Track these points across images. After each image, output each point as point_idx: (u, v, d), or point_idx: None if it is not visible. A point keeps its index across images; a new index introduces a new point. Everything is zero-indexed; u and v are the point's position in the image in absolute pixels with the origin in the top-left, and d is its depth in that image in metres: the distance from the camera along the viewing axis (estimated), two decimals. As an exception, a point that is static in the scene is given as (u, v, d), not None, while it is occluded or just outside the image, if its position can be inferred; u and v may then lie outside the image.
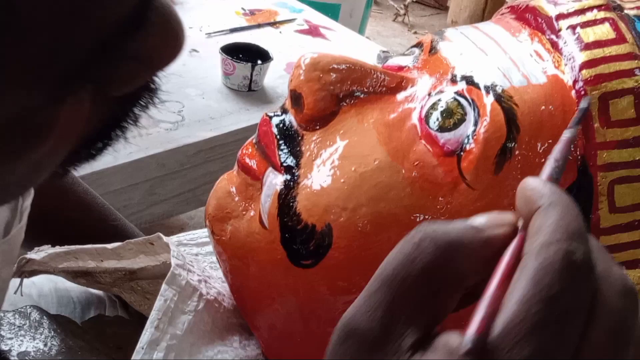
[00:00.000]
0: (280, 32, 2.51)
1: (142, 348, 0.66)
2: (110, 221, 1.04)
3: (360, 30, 3.55)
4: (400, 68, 0.73)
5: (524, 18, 0.72)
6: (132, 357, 0.66)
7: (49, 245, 0.85)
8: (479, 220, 0.45)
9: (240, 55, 2.10)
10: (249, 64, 2.06)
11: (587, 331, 0.41)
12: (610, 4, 0.69)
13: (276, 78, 2.17)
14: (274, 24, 2.55)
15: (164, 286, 0.69)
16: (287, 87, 0.71)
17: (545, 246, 0.42)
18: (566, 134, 0.54)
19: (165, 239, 0.75)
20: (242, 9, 2.61)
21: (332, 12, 3.17)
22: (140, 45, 0.39)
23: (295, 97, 0.69)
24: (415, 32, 5.53)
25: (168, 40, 0.41)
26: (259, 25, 2.51)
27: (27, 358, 0.82)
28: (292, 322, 0.69)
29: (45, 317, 0.86)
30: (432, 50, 0.72)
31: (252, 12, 2.60)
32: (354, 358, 0.42)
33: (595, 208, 0.64)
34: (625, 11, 0.69)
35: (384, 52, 2.41)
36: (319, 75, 0.68)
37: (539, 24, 0.70)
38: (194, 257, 0.80)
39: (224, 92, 2.09)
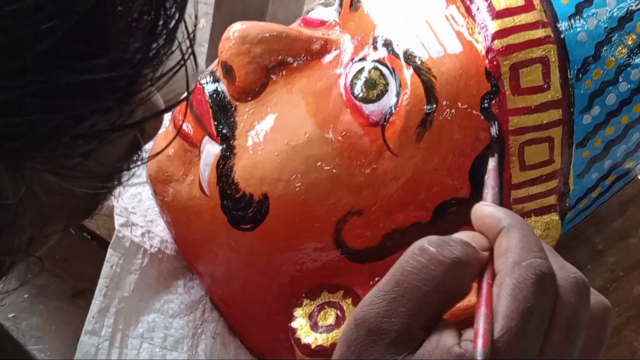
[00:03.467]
0: None
1: (93, 317, 0.71)
2: None
3: None
4: (323, 23, 0.76)
5: None
6: (84, 327, 0.71)
7: None
8: (473, 240, 0.54)
9: None
10: None
11: (549, 329, 0.51)
12: None
13: None
14: None
15: (109, 251, 0.74)
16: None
17: (517, 265, 0.51)
18: (492, 163, 0.61)
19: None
20: None
21: None
22: None
23: (227, 69, 0.72)
24: None
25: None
26: None
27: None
28: (233, 273, 0.76)
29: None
30: (352, 6, 0.75)
31: None
32: (372, 351, 0.51)
33: (507, 167, 0.70)
34: None
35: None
36: (248, 48, 0.71)
37: None
38: (137, 197, 0.84)
39: None
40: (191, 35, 0.43)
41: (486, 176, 0.62)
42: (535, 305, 0.50)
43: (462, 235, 0.54)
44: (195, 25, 0.44)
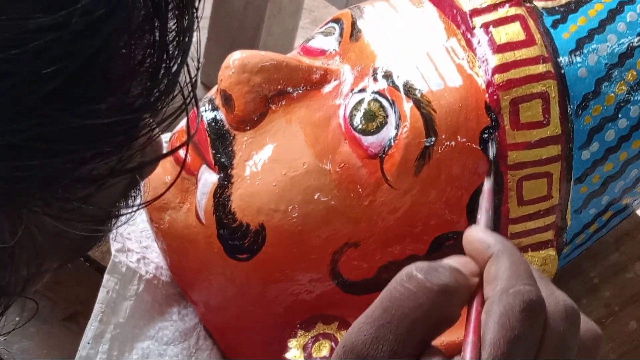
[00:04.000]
0: None
1: (88, 343, 0.71)
2: None
3: None
4: (323, 52, 0.76)
5: (439, 4, 0.75)
6: (79, 353, 0.71)
7: None
8: (462, 265, 0.53)
9: None
10: None
11: (537, 356, 0.50)
12: None
13: None
14: None
15: (106, 276, 0.74)
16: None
17: (505, 292, 0.50)
18: (487, 185, 0.61)
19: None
20: None
21: None
22: None
23: (226, 98, 0.72)
24: None
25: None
26: None
27: None
28: (227, 301, 0.75)
29: None
30: (353, 36, 0.75)
31: None
32: None
33: (505, 201, 0.70)
34: (534, 2, 0.73)
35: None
36: (248, 77, 0.71)
37: (454, 15, 0.73)
38: (131, 223, 0.84)
39: None
40: (193, 80, 0.42)
41: (481, 197, 0.62)
42: (522, 333, 0.49)
43: (452, 261, 0.53)
44: (198, 69, 0.44)
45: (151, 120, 0.41)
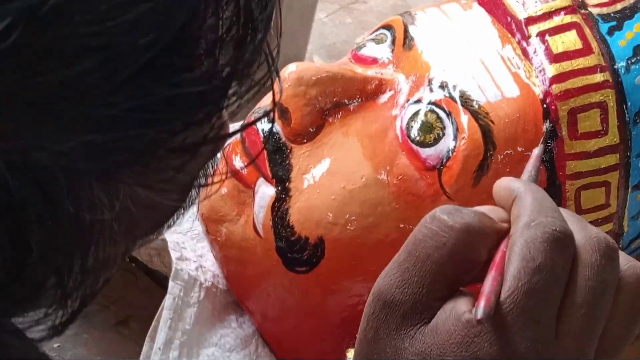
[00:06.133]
0: None
1: (159, 349, 0.72)
2: None
3: None
4: (375, 60, 0.76)
5: (492, 10, 0.75)
6: (152, 357, 0.72)
7: None
8: (490, 211, 0.53)
9: None
10: None
11: (568, 289, 0.49)
12: (575, 5, 0.72)
13: None
14: None
15: (170, 283, 0.74)
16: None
17: (527, 225, 0.49)
18: (536, 151, 0.60)
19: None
20: None
21: None
22: None
23: (282, 111, 0.72)
24: None
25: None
26: None
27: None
28: (285, 312, 0.76)
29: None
30: (406, 44, 0.75)
31: None
32: (388, 324, 0.50)
33: None
34: (589, 9, 0.73)
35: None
36: (304, 90, 0.71)
37: (508, 23, 0.73)
38: (184, 236, 0.85)
39: None
40: (274, 51, 0.43)
41: (527, 162, 0.61)
42: (545, 264, 0.48)
43: (479, 207, 0.53)
44: (280, 36, 0.44)
45: (239, 88, 0.42)
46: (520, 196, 0.52)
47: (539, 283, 0.48)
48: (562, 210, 0.52)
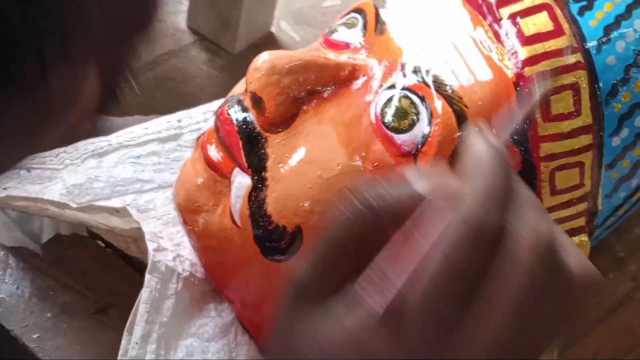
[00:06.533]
0: None
1: (137, 343, 0.72)
2: None
3: None
4: (347, 45, 0.76)
5: None
6: (129, 354, 0.72)
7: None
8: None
9: None
10: None
11: (488, 286, 0.47)
12: None
13: None
14: None
15: (147, 276, 0.74)
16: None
17: (451, 214, 0.47)
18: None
19: (134, 214, 0.79)
20: None
21: None
22: None
23: (256, 100, 0.71)
24: None
25: None
26: None
27: (3, 304, 0.87)
28: (264, 300, 0.76)
29: (10, 256, 0.90)
30: (378, 29, 0.75)
31: None
32: (300, 311, 0.51)
33: (539, 192, 0.71)
34: None
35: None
36: (277, 79, 0.71)
37: (479, 5, 0.73)
38: (159, 220, 0.85)
39: None
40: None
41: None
42: (456, 258, 0.46)
43: None
44: None
45: None
46: (471, 176, 0.50)
47: (447, 278, 0.46)
48: (527, 196, 0.51)
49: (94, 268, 0.94)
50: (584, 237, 0.74)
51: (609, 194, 0.75)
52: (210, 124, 0.76)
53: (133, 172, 0.97)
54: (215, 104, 1.09)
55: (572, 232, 0.74)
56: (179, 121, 1.05)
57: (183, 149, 1.04)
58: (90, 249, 0.94)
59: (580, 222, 0.74)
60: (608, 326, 0.88)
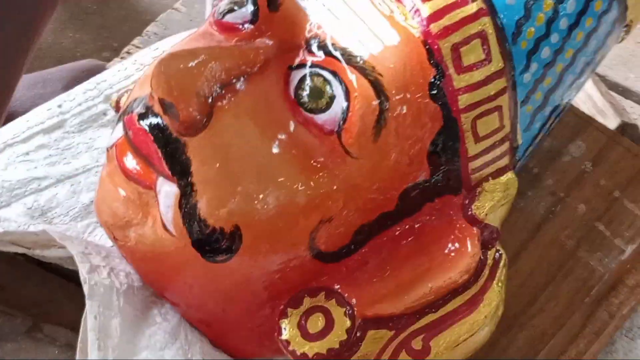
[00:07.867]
0: None
1: None
2: None
3: None
4: (242, 26, 0.73)
5: None
6: None
7: None
8: None
9: None
10: None
11: None
12: None
13: None
14: None
15: (88, 302, 0.71)
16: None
17: None
18: None
19: (56, 237, 0.76)
20: None
21: None
22: None
23: (167, 106, 0.68)
24: None
25: None
26: None
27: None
28: (210, 299, 0.75)
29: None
30: (272, 5, 0.72)
31: None
32: None
33: (463, 142, 0.71)
34: None
35: None
36: (186, 82, 0.67)
37: None
38: (83, 236, 0.82)
39: None
40: None
41: None
42: None
43: None
44: None
45: None
46: None
47: None
48: None
49: (10, 282, 0.91)
50: (510, 175, 0.75)
51: (526, 127, 0.76)
52: (119, 132, 0.73)
53: (26, 172, 0.94)
54: (93, 82, 1.06)
55: (499, 172, 0.75)
56: (59, 106, 1.01)
57: (71, 135, 1.00)
58: (1, 260, 0.91)
59: (505, 161, 0.75)
60: (537, 244, 0.90)
